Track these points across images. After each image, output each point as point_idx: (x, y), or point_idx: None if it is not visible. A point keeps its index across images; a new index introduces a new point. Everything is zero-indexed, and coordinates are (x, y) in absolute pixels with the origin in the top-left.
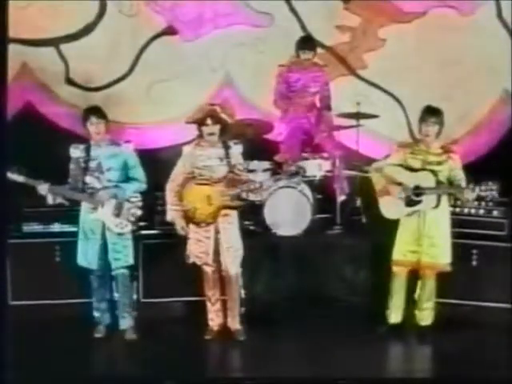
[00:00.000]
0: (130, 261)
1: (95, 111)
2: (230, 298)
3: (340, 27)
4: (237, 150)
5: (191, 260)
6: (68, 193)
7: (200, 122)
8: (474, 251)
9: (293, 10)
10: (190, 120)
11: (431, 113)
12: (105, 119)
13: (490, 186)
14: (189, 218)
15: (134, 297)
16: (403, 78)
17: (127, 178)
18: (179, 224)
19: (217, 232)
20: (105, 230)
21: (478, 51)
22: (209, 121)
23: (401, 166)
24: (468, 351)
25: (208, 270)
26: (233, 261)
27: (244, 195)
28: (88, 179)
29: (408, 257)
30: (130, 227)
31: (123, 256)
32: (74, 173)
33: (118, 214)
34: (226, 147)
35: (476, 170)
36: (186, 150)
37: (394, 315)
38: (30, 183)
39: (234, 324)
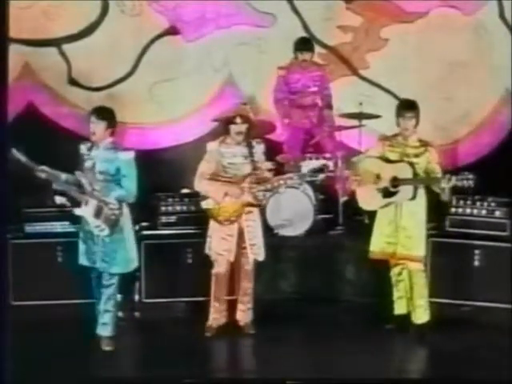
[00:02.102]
0: (114, 269)
1: (97, 111)
2: (243, 293)
3: (342, 27)
4: (260, 149)
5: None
6: (60, 181)
7: (229, 120)
8: (476, 251)
9: (295, 10)
10: (220, 118)
11: (408, 107)
12: (105, 121)
13: (466, 175)
14: (213, 217)
15: (134, 298)
16: (405, 77)
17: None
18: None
19: (240, 229)
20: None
21: (480, 51)
22: (238, 119)
23: (379, 158)
24: (469, 351)
25: (221, 270)
26: (254, 257)
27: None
28: (81, 175)
29: (385, 248)
30: (106, 232)
31: (110, 260)
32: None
33: (97, 216)
34: (250, 146)
35: (477, 171)
36: (211, 146)
37: (397, 306)
38: (29, 165)
39: (246, 317)
